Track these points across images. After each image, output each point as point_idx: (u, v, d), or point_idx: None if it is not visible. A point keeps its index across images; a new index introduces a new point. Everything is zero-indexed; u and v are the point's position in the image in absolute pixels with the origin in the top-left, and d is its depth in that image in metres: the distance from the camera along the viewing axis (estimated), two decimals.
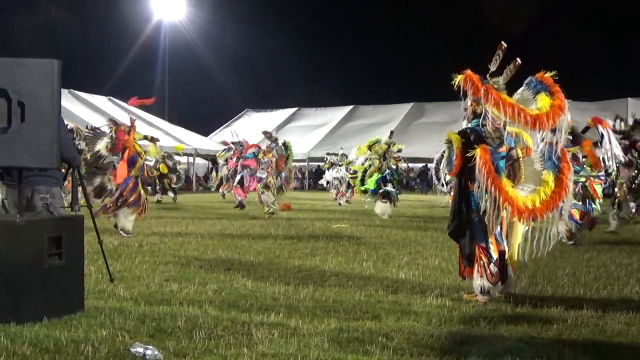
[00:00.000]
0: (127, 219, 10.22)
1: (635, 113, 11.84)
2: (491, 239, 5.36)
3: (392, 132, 16.57)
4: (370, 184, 14.74)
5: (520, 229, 5.47)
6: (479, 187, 5.15)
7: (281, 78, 65.08)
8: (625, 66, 52.52)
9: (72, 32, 51.40)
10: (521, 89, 5.45)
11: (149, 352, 3.70)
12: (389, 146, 15.06)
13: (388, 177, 14.70)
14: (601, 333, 4.42)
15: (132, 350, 3.74)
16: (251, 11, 63.53)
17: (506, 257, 5.42)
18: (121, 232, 10.10)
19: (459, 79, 5.22)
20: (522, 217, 5.15)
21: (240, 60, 64.16)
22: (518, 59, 5.42)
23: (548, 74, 5.30)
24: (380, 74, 65.44)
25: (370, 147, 15.19)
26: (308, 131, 40.36)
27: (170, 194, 20.48)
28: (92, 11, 59.97)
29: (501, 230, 5.40)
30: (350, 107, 42.72)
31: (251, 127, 42.29)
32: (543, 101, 5.20)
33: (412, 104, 40.85)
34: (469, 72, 5.24)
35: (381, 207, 14.74)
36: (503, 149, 5.40)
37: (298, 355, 3.76)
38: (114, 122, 10.39)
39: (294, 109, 44.58)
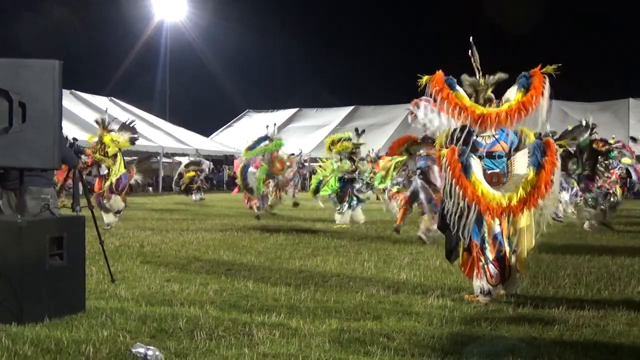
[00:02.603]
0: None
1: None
2: (489, 239, 5.30)
3: (360, 131, 13.88)
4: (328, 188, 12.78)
5: (528, 231, 5.35)
6: (444, 187, 5.20)
7: (282, 78, 65.08)
8: (627, 66, 52.50)
9: (73, 33, 51.34)
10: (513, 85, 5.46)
11: (150, 352, 3.70)
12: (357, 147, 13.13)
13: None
14: (602, 334, 4.41)
15: (134, 350, 3.75)
16: (252, 12, 63.50)
17: (509, 259, 5.36)
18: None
19: (425, 80, 5.33)
20: (494, 215, 5.13)
21: (241, 60, 64.13)
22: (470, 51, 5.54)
23: (549, 68, 5.27)
24: (381, 74, 65.41)
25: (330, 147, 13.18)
26: (309, 132, 40.35)
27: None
28: (93, 12, 59.95)
29: (502, 230, 5.34)
30: (351, 107, 42.74)
31: (252, 127, 42.34)
32: (515, 98, 5.24)
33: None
34: (438, 73, 5.35)
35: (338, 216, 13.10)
36: (498, 148, 5.37)
37: (299, 356, 3.76)
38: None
39: (294, 110, 44.60)
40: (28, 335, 4.06)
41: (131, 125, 11.75)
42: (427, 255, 8.15)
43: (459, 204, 5.10)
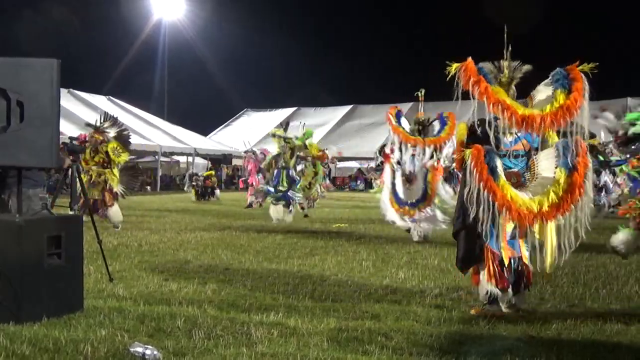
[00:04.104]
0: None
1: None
2: (503, 244, 4.89)
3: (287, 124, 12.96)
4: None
5: (553, 237, 4.84)
6: (469, 191, 4.72)
7: (280, 79, 65.14)
8: (625, 66, 52.55)
9: (71, 32, 51.44)
10: (546, 80, 5.00)
11: (148, 351, 3.70)
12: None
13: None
14: (600, 332, 4.42)
15: (132, 350, 3.75)
16: (250, 12, 63.51)
17: (528, 268, 4.94)
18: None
19: (454, 67, 4.82)
20: (524, 221, 4.70)
21: (239, 59, 64.24)
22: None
23: (586, 66, 4.87)
24: (379, 75, 65.42)
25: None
26: None
27: None
28: (92, 11, 60.00)
29: (519, 235, 4.90)
30: (350, 106, 42.73)
31: (250, 126, 42.33)
32: (556, 99, 4.75)
33: (411, 103, 40.72)
34: (468, 60, 4.85)
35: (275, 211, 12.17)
36: (519, 147, 5.02)
37: (297, 355, 3.76)
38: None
39: (293, 109, 44.59)
40: (26, 335, 4.05)
41: (127, 138, 11.49)
42: (425, 255, 8.16)
43: (489, 210, 4.67)
